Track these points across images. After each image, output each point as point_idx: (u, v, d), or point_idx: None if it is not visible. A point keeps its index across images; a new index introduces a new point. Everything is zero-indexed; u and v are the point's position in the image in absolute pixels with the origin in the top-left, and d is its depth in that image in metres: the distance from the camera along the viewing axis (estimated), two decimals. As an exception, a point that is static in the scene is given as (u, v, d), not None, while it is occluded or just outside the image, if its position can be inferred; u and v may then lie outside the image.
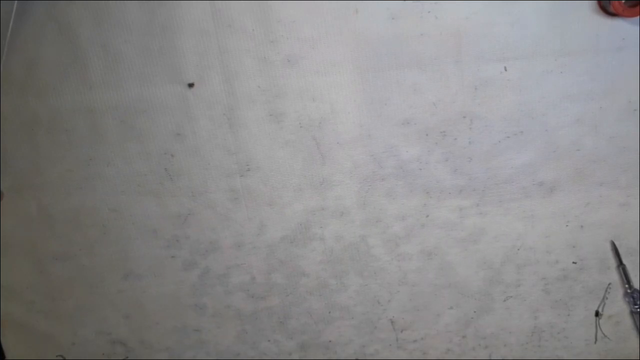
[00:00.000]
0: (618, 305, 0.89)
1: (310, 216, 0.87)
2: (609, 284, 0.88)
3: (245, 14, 0.82)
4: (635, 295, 0.86)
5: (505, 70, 0.84)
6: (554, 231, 0.90)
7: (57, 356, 0.89)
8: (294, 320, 0.88)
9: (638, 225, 0.88)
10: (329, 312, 0.88)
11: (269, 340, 0.89)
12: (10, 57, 0.83)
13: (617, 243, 0.88)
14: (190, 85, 0.84)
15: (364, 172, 0.87)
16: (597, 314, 0.88)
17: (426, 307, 0.89)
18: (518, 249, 0.91)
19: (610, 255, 0.88)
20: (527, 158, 0.87)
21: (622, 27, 0.82)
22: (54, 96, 0.85)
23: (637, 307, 0.86)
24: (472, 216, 0.90)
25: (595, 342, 0.88)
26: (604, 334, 0.88)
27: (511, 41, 0.83)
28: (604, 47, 0.83)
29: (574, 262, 0.91)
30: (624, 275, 0.87)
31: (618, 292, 0.89)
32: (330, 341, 0.89)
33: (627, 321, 0.89)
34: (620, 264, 0.87)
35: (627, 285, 0.87)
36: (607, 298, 0.88)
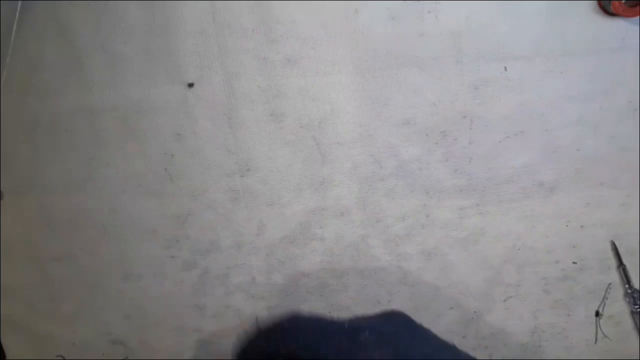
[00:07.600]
0: (618, 306, 0.89)
1: (310, 216, 0.87)
2: (609, 284, 0.88)
3: (245, 14, 0.82)
4: (635, 295, 0.86)
5: (506, 70, 0.84)
6: (554, 231, 0.90)
7: (57, 356, 0.89)
8: (294, 321, 0.88)
9: (638, 225, 0.88)
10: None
11: (269, 341, 0.88)
12: (11, 58, 0.83)
13: (617, 243, 0.87)
14: (190, 85, 0.84)
15: (364, 172, 0.87)
16: (597, 314, 0.88)
17: (426, 307, 0.89)
18: (518, 249, 0.91)
19: (610, 255, 0.88)
20: (527, 158, 0.87)
21: (622, 27, 0.82)
22: (54, 96, 0.85)
23: (637, 307, 0.86)
24: (472, 216, 0.89)
25: (595, 343, 0.88)
26: (604, 334, 0.88)
27: (511, 41, 0.83)
28: (604, 47, 0.83)
29: (574, 262, 0.90)
30: (624, 275, 0.87)
31: (618, 292, 0.89)
32: (330, 341, 0.89)
33: (628, 321, 0.89)
34: (621, 264, 0.87)
35: (627, 286, 0.87)
36: (607, 298, 0.88)
